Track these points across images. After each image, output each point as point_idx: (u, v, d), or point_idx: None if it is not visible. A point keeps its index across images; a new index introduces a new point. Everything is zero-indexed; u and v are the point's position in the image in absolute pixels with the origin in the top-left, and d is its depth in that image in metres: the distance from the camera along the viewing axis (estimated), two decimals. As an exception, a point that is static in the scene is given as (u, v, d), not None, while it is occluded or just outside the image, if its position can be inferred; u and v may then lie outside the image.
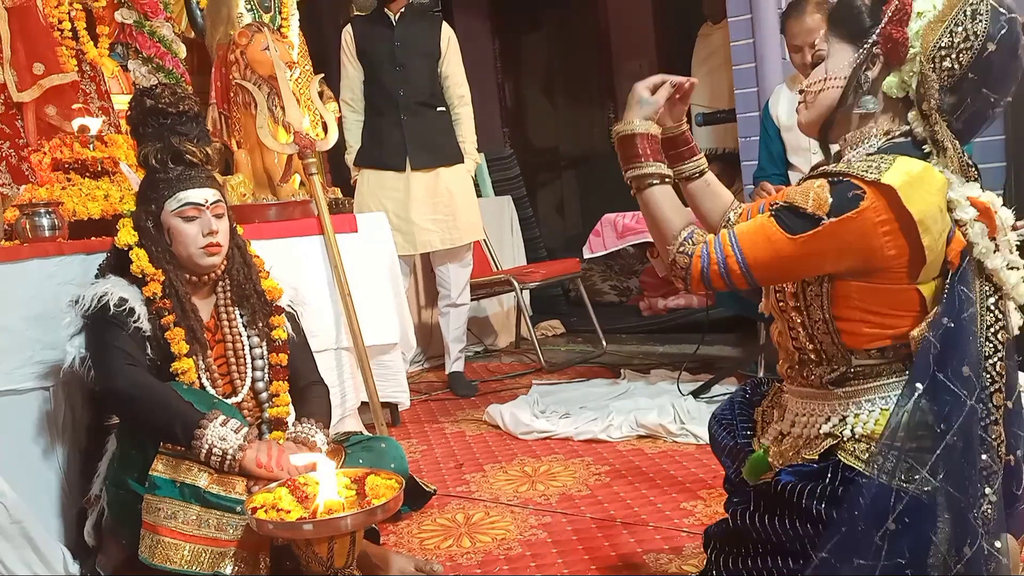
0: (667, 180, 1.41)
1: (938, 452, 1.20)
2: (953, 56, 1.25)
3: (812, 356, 1.38)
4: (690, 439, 2.75)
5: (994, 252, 1.28)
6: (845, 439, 1.33)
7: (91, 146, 2.65)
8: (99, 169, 2.62)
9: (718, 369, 3.41)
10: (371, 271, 2.80)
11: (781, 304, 1.41)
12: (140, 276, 1.87)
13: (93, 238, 2.26)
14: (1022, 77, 1.29)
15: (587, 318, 4.56)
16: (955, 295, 1.25)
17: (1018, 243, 1.34)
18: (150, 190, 1.93)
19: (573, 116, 7.42)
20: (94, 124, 2.70)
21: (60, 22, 3.00)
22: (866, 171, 1.24)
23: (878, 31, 1.30)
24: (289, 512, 1.55)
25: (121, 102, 3.22)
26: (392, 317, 2.84)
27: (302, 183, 2.92)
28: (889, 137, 1.33)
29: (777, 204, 1.29)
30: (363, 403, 2.79)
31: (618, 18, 7.04)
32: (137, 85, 3.29)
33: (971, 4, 1.25)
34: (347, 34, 3.80)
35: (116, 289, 1.84)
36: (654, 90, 1.45)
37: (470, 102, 3.84)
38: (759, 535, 1.36)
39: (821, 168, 1.35)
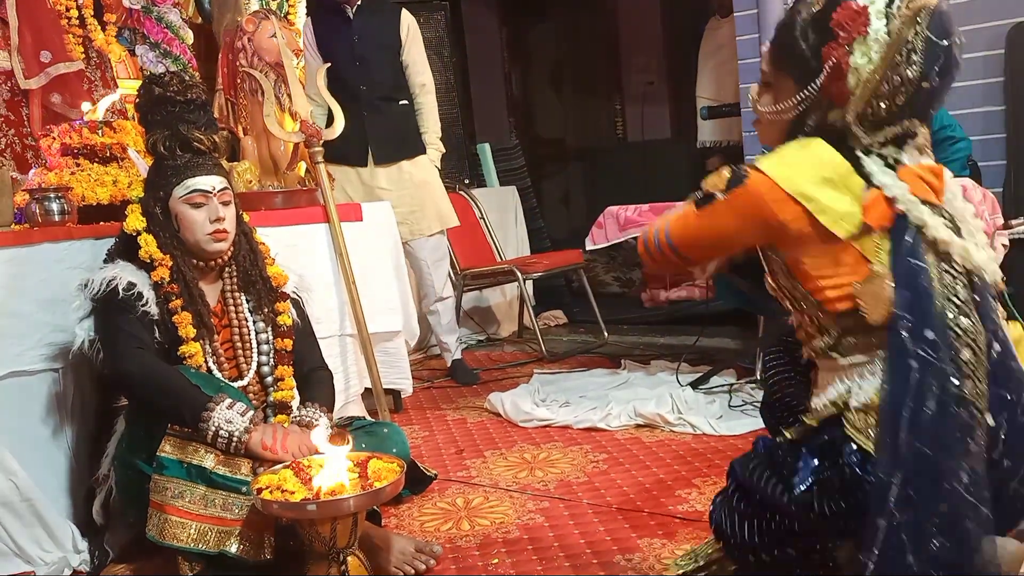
0: None
1: (916, 417, 1.24)
2: (889, 99, 1.33)
3: (811, 331, 1.45)
4: (687, 429, 2.79)
5: (930, 214, 1.33)
6: (851, 408, 1.37)
7: (99, 132, 2.68)
8: (108, 155, 2.64)
9: (717, 361, 3.45)
10: (375, 259, 2.83)
11: (778, 297, 1.49)
12: (148, 261, 1.90)
13: (102, 223, 2.29)
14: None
15: (589, 309, 4.58)
16: (903, 266, 1.32)
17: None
18: (158, 177, 1.96)
19: (580, 107, 7.42)
20: (103, 105, 2.72)
21: (68, 9, 3.00)
22: (756, 159, 1.38)
23: (818, 84, 1.36)
24: (293, 493, 1.58)
25: (128, 87, 3.24)
26: (396, 305, 2.86)
27: (307, 171, 2.94)
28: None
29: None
30: (366, 389, 2.82)
31: (626, 10, 7.03)
32: (144, 70, 3.31)
33: (907, 45, 1.30)
34: (307, 28, 3.70)
35: (125, 274, 1.87)
36: None
37: (433, 91, 3.80)
38: (760, 492, 1.44)
39: None
